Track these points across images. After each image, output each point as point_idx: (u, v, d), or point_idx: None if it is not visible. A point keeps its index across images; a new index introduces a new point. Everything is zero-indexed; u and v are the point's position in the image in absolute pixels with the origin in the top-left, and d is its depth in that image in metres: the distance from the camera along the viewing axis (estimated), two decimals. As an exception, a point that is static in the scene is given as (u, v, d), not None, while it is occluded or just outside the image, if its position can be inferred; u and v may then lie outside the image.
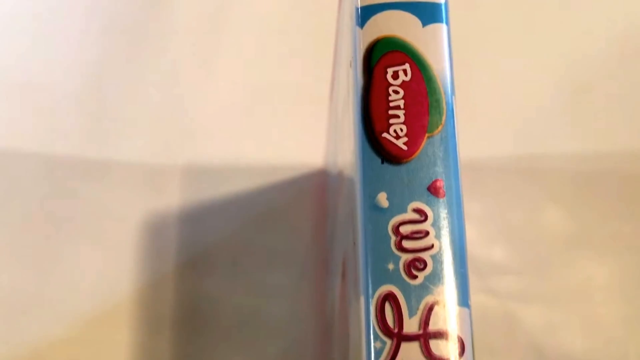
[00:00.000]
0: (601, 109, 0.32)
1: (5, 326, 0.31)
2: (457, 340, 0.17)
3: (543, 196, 0.32)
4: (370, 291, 0.17)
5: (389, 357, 0.17)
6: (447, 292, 0.17)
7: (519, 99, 0.32)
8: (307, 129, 0.32)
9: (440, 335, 0.17)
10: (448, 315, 0.17)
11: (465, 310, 0.17)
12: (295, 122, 0.32)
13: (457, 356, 0.17)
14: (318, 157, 0.32)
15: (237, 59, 0.33)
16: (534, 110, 0.32)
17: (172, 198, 0.32)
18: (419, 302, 0.17)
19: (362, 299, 0.17)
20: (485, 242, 0.31)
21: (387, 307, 0.17)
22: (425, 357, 0.17)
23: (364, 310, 0.17)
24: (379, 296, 0.17)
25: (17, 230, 0.31)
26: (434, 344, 0.17)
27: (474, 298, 0.30)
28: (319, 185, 0.32)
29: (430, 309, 0.17)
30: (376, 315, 0.17)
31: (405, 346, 0.17)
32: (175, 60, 0.33)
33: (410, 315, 0.17)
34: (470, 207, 0.32)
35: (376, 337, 0.17)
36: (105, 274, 0.31)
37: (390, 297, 0.17)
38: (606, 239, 0.31)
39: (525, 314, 0.31)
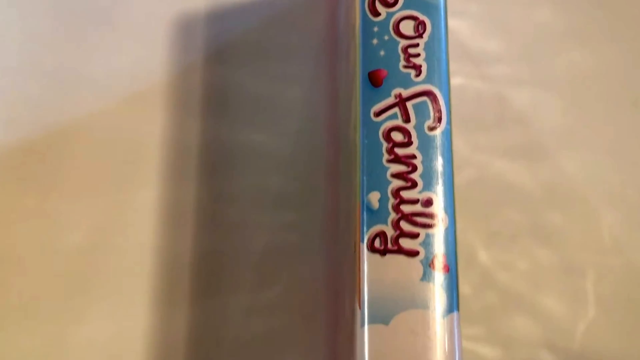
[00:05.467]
0: None
1: (54, 98, 0.38)
2: None
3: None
4: None
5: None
6: None
7: None
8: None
9: None
10: None
11: None
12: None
13: None
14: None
15: None
16: None
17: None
18: None
19: None
20: (481, 35, 0.38)
21: None
22: None
23: None
24: None
25: (62, 18, 0.38)
26: None
27: (470, 83, 0.37)
28: (332, -7, 0.39)
29: None
30: None
31: None
32: None
33: None
34: (468, 7, 0.39)
35: None
36: (140, 62, 0.38)
37: None
38: (594, 33, 0.38)
39: (515, 95, 0.37)
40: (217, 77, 0.38)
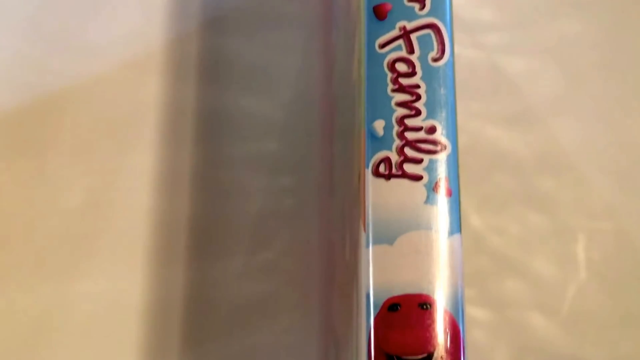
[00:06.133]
0: None
1: (52, 62, 0.38)
2: None
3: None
4: None
5: None
6: None
7: None
8: None
9: None
10: None
11: None
12: None
13: None
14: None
15: None
16: None
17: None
18: None
19: None
20: (475, 5, 0.39)
21: None
22: None
23: None
24: None
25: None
26: None
27: (464, 52, 0.38)
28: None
29: None
30: None
31: None
32: None
33: None
34: (461, -23, 0.40)
35: None
36: (137, 28, 0.39)
37: None
38: (587, 1, 0.39)
39: (509, 63, 0.38)
40: (214, 45, 0.39)
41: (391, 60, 0.22)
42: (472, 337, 0.35)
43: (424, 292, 0.21)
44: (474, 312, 0.35)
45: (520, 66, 0.38)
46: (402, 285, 0.21)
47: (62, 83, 0.38)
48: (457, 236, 0.21)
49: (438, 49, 0.22)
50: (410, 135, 0.22)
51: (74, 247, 0.36)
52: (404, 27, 0.22)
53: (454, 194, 0.21)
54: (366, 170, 0.22)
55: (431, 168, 0.22)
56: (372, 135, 0.22)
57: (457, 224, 0.21)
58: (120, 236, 0.36)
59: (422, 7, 0.23)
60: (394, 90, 0.22)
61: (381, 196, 0.21)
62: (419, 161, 0.22)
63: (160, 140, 0.38)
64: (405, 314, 0.20)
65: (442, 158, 0.22)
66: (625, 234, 0.36)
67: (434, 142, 0.22)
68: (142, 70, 0.39)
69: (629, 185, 0.37)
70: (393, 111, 0.22)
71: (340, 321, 0.32)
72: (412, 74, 0.22)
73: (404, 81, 0.22)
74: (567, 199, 0.37)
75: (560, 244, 0.36)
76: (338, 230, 0.33)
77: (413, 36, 0.22)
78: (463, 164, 0.38)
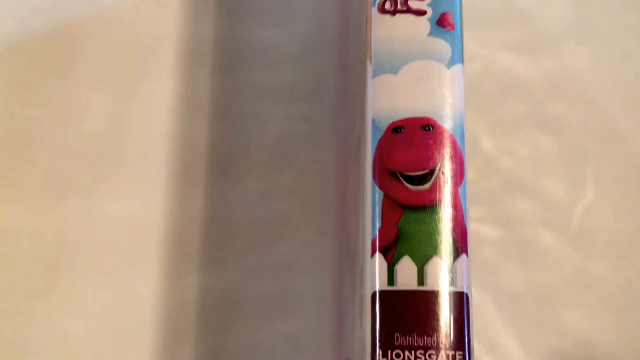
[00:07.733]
0: None
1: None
2: None
3: None
4: None
5: None
6: None
7: None
8: None
9: None
10: None
11: None
12: None
13: None
14: None
15: None
16: None
17: None
18: None
19: None
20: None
21: None
22: None
23: None
24: None
25: None
26: None
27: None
28: None
29: None
30: None
31: None
32: None
33: None
34: None
35: None
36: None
37: None
38: None
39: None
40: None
41: None
42: (483, 254, 0.36)
43: (427, 115, 0.21)
44: (484, 230, 0.36)
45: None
46: (406, 110, 0.21)
47: (85, 11, 0.39)
48: (459, 66, 0.22)
49: None
50: (415, -25, 0.23)
51: (97, 168, 0.37)
52: None
53: (457, 28, 0.22)
54: (372, 8, 0.22)
55: (435, 3, 0.22)
56: (379, -23, 0.23)
57: (459, 55, 0.22)
58: (142, 158, 0.37)
59: None
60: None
61: (386, 30, 0.22)
62: (423, -3, 0.22)
63: (181, 68, 0.38)
64: (409, 134, 0.21)
65: (445, -6, 0.22)
66: (632, 155, 0.37)
67: (438, -19, 0.23)
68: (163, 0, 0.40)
69: (637, 109, 0.37)
70: (398, -43, 0.23)
71: (355, 233, 0.33)
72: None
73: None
74: (576, 123, 0.37)
75: (569, 165, 0.37)
76: (351, 142, 0.34)
77: None
78: (474, 90, 0.39)
